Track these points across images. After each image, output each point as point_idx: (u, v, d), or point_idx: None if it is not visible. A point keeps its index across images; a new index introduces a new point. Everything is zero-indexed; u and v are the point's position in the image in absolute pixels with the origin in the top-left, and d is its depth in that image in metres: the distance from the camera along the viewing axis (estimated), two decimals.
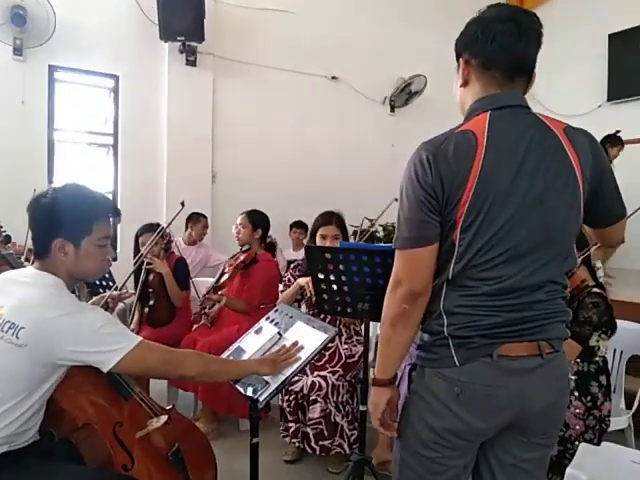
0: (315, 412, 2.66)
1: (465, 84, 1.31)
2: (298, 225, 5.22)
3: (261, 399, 1.66)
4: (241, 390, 1.73)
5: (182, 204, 2.96)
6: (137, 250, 3.45)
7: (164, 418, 1.72)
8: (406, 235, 1.23)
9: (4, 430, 1.45)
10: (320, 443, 2.67)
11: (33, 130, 4.60)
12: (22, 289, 1.49)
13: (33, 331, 1.41)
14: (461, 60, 1.30)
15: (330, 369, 2.81)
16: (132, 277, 3.21)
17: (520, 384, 1.22)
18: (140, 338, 1.51)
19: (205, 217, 4.75)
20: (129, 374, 1.60)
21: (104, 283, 2.83)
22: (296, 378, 2.72)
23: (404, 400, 1.38)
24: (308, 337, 1.80)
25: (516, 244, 1.19)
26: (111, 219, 1.63)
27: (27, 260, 2.66)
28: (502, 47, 1.22)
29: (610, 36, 5.81)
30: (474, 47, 1.26)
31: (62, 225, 1.51)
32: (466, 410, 1.22)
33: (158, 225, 3.55)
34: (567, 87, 6.15)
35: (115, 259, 2.68)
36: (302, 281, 2.80)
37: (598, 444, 2.20)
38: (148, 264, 3.31)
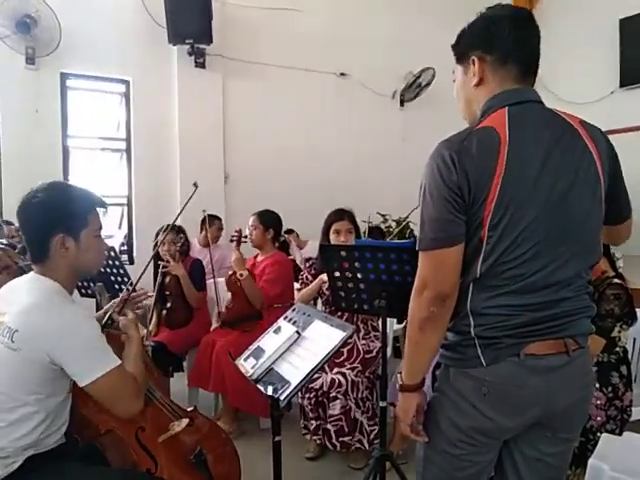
0: (335, 409, 2.68)
1: (480, 82, 1.29)
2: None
3: (282, 398, 1.68)
4: (262, 389, 1.75)
5: (195, 185, 2.91)
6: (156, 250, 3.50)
7: (185, 421, 1.74)
8: (432, 236, 1.20)
9: (28, 436, 1.47)
10: (340, 439, 2.69)
11: (47, 138, 4.66)
12: (21, 294, 1.51)
13: (24, 333, 1.42)
14: (474, 58, 1.28)
15: (349, 366, 2.82)
16: (152, 279, 3.26)
17: (547, 382, 1.22)
18: (119, 362, 1.49)
19: (220, 219, 4.78)
20: (97, 398, 1.51)
21: (123, 287, 2.87)
22: (316, 376, 2.73)
23: (428, 399, 1.38)
24: (326, 335, 1.81)
25: (542, 240, 1.18)
26: (100, 210, 1.65)
27: None
28: (518, 41, 1.23)
29: (621, 21, 5.72)
30: (489, 42, 1.25)
31: (60, 220, 1.53)
32: (493, 409, 1.22)
33: (179, 227, 3.59)
34: (578, 74, 6.08)
35: (111, 251, 2.72)
36: (325, 277, 2.80)
37: (620, 434, 2.20)
38: (164, 267, 3.34)
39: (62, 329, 1.42)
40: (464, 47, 1.31)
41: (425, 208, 1.21)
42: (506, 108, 1.21)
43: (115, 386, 1.47)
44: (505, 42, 1.23)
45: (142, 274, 2.41)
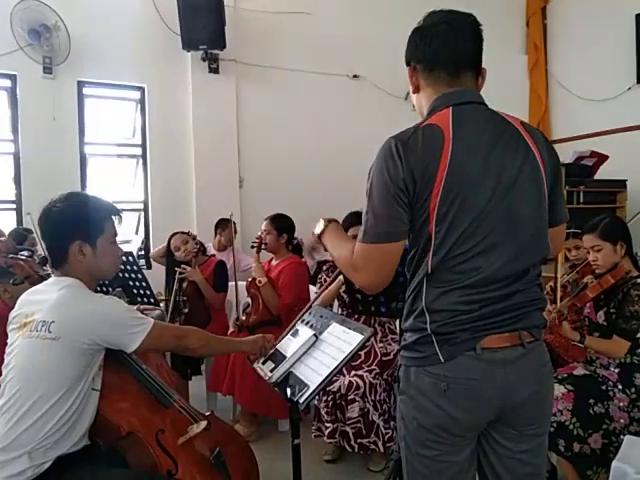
0: (354, 411, 2.68)
1: (416, 89, 1.38)
2: None
3: (301, 401, 1.68)
4: (281, 393, 1.76)
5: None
6: (170, 254, 3.54)
7: (204, 423, 1.76)
8: (376, 230, 1.23)
9: (53, 435, 1.51)
10: (359, 441, 2.69)
11: (65, 145, 4.72)
12: (48, 294, 1.61)
13: (63, 321, 1.53)
14: (408, 68, 1.38)
15: (366, 368, 2.82)
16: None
17: (504, 375, 1.24)
18: (153, 320, 1.66)
19: (233, 222, 4.77)
20: (148, 350, 1.75)
21: (142, 292, 2.90)
22: (334, 379, 2.74)
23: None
24: (344, 338, 1.81)
25: (490, 233, 1.21)
26: (115, 218, 1.75)
27: None
28: (440, 47, 1.30)
29: (637, 16, 5.64)
30: (416, 54, 1.35)
31: (78, 228, 1.64)
32: (453, 405, 1.24)
33: (188, 233, 3.64)
34: (593, 70, 6.00)
35: (129, 256, 2.76)
36: (342, 277, 2.78)
37: None
38: (180, 273, 3.37)
39: (96, 310, 1.57)
40: (405, 57, 1.40)
41: (371, 202, 1.25)
42: (450, 107, 1.27)
43: (158, 341, 1.67)
44: (428, 51, 1.31)
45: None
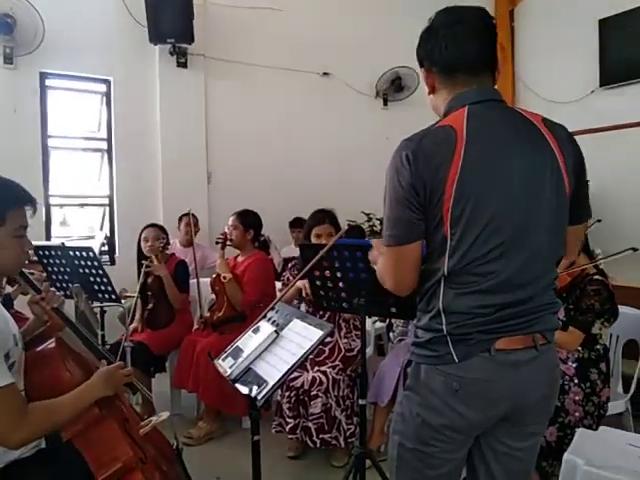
0: (316, 407, 2.69)
1: (432, 90, 1.35)
2: (298, 222, 5.22)
3: (259, 397, 1.68)
4: (239, 389, 1.75)
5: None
6: (139, 247, 3.49)
7: (165, 414, 1.72)
8: (389, 233, 1.26)
9: None
10: (321, 436, 2.70)
11: (27, 138, 4.58)
12: None
13: None
14: (423, 70, 1.35)
15: (330, 364, 2.83)
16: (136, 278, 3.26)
17: (517, 377, 1.24)
18: (9, 382, 1.37)
19: (188, 215, 4.65)
20: None
21: (102, 288, 2.84)
22: (297, 374, 2.74)
23: (399, 398, 1.40)
24: (304, 334, 1.81)
25: (506, 237, 1.20)
26: (28, 209, 1.54)
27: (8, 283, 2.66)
28: (456, 51, 1.27)
29: (600, 21, 5.79)
30: (431, 56, 1.31)
31: None
32: (465, 405, 1.24)
33: (161, 226, 3.59)
34: (559, 73, 6.14)
35: (89, 251, 2.69)
36: (300, 283, 2.77)
37: (596, 429, 2.23)
38: (147, 267, 3.32)
39: None
40: (418, 57, 1.37)
41: (385, 207, 1.27)
42: (466, 107, 1.24)
43: None
44: (443, 54, 1.28)
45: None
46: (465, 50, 1.26)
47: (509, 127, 1.24)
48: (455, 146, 1.18)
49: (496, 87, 1.33)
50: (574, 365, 2.43)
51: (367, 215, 5.53)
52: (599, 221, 3.91)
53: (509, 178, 1.20)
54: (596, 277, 2.40)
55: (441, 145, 1.19)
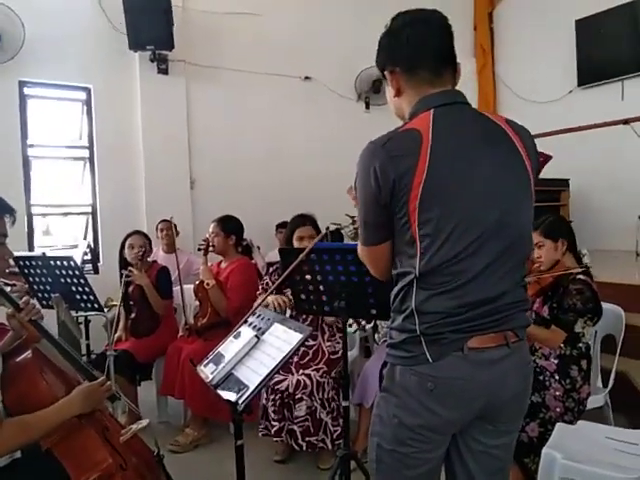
0: (301, 410, 2.70)
1: (398, 93, 1.35)
2: (283, 226, 5.23)
3: (240, 402, 1.69)
4: (221, 394, 1.75)
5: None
6: (122, 255, 3.48)
7: (145, 422, 1.73)
8: (364, 235, 1.33)
9: None
10: (307, 439, 2.70)
11: (6, 147, 4.56)
12: None
13: None
14: (386, 73, 1.35)
15: (314, 367, 2.84)
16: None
17: (490, 375, 1.25)
18: None
19: (165, 221, 4.61)
20: None
21: (85, 297, 2.83)
22: (281, 377, 2.75)
23: (377, 400, 1.40)
24: (284, 338, 1.82)
25: (476, 237, 1.21)
26: (6, 218, 1.56)
27: None
28: (418, 46, 1.29)
29: (577, 22, 5.88)
30: (393, 56, 1.32)
31: None
32: (440, 404, 1.25)
33: (145, 234, 3.58)
34: (538, 73, 6.23)
35: (70, 260, 2.68)
36: (270, 299, 2.75)
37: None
38: (127, 276, 3.31)
39: None
40: (378, 63, 1.38)
41: (358, 209, 1.31)
42: (432, 110, 1.25)
43: None
44: (405, 53, 1.29)
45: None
46: (428, 47, 1.29)
47: (475, 128, 1.26)
48: (420, 148, 1.19)
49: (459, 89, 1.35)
50: (555, 361, 2.45)
51: (352, 218, 5.55)
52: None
53: (477, 178, 1.21)
54: (579, 277, 2.43)
55: (405, 148, 1.20)
